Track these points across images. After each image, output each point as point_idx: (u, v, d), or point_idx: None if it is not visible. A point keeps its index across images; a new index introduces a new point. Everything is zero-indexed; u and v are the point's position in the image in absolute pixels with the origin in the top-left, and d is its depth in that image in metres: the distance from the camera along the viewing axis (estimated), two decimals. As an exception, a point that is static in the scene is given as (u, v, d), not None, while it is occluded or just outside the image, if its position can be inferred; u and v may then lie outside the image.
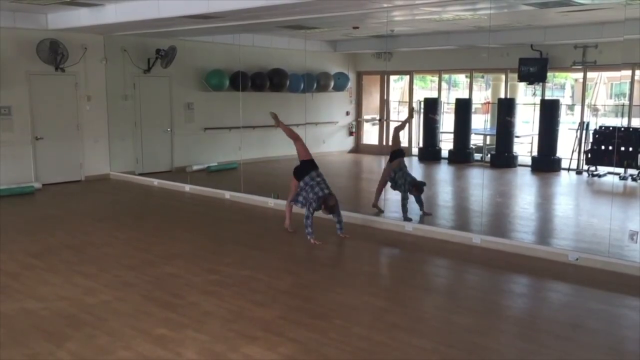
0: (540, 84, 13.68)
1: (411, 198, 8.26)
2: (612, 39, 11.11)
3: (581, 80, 13.75)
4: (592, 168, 12.37)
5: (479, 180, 12.22)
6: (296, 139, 7.58)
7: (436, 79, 16.19)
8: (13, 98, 10.48)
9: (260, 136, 14.25)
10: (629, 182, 11.51)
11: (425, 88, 18.32)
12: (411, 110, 12.42)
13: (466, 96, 15.30)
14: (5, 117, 10.43)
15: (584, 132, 12.76)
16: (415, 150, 15.67)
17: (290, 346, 4.25)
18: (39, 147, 10.93)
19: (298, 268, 6.25)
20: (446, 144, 15.26)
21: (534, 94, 14.14)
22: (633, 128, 12.07)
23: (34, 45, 10.53)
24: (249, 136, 13.54)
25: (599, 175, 12.21)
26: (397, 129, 8.97)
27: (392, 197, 9.05)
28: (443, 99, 15.71)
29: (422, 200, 8.42)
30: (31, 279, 5.77)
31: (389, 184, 8.54)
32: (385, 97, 16.82)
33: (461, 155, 14.48)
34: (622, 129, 12.11)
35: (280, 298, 5.29)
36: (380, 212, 8.56)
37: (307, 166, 7.30)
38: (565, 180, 12.54)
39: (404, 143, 15.92)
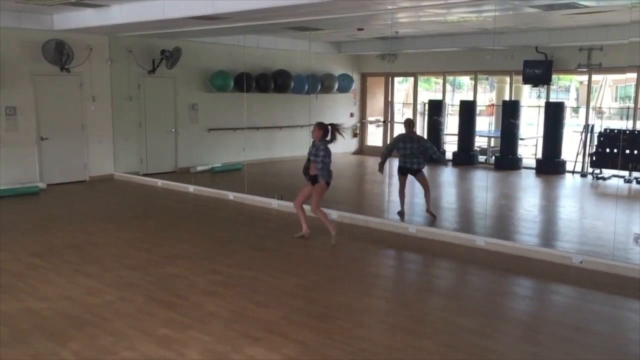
0: (545, 86, 13.66)
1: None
2: (617, 41, 11.08)
3: (586, 83, 13.73)
4: (597, 171, 12.34)
5: (483, 182, 12.20)
6: None
7: (440, 80, 16.18)
8: (18, 98, 10.52)
9: (264, 137, 14.28)
10: (634, 185, 11.48)
11: (429, 90, 18.31)
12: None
13: (470, 98, 15.29)
14: (10, 117, 10.47)
15: (589, 134, 12.73)
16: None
17: (292, 347, 4.25)
18: (43, 147, 10.96)
19: (301, 269, 6.24)
20: (450, 146, 15.24)
21: (539, 96, 14.11)
22: (638, 131, 12.03)
23: (39, 45, 10.57)
24: (253, 137, 13.57)
25: (604, 178, 12.17)
26: None
27: (395, 198, 9.05)
28: (447, 100, 15.69)
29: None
30: (35, 279, 5.78)
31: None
32: (389, 99, 16.82)
33: (465, 158, 14.45)
34: (627, 131, 12.07)
35: (283, 299, 5.28)
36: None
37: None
38: (570, 183, 12.50)
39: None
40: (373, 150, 16.62)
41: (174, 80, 12.76)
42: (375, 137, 17.31)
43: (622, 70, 12.82)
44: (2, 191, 9.91)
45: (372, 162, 15.75)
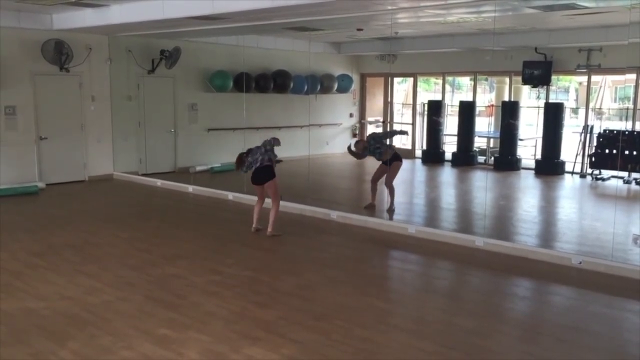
0: (545, 87, 13.66)
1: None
2: (617, 42, 11.09)
3: (585, 84, 13.73)
4: (596, 171, 12.34)
5: (482, 183, 12.21)
6: None
7: (440, 81, 16.19)
8: (17, 98, 10.51)
9: (263, 137, 14.17)
10: (633, 185, 11.49)
11: (429, 90, 18.32)
12: None
13: (470, 99, 15.29)
14: (9, 117, 10.46)
15: (588, 135, 12.73)
16: (418, 153, 15.67)
17: (292, 347, 4.25)
18: (42, 146, 10.96)
19: (300, 269, 6.24)
20: (450, 146, 15.25)
21: (538, 97, 14.12)
22: (637, 132, 12.04)
23: (38, 45, 10.56)
24: (253, 137, 13.48)
25: (603, 179, 12.18)
26: None
27: (396, 199, 9.06)
28: (447, 101, 15.70)
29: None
30: (34, 278, 5.78)
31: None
32: (388, 99, 16.82)
33: (465, 158, 14.46)
34: (627, 132, 12.07)
35: (282, 299, 5.28)
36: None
37: None
38: (569, 184, 12.50)
39: (408, 145, 16.06)
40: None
41: (174, 80, 12.76)
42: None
43: (621, 71, 12.82)
44: (1, 190, 9.91)
45: (372, 162, 15.75)
